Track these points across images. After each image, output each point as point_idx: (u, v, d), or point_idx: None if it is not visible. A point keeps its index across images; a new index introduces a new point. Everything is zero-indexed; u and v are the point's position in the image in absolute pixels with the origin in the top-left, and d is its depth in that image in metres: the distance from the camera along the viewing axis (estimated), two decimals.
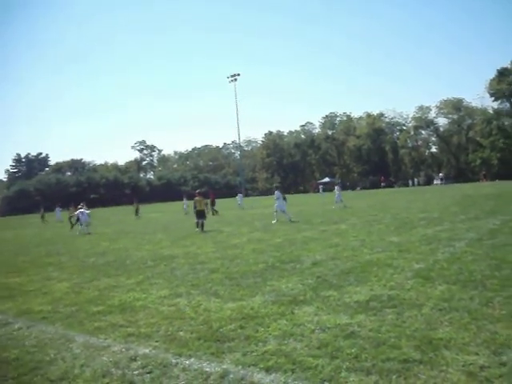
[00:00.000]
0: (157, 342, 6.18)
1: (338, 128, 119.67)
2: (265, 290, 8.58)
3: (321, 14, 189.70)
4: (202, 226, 22.55)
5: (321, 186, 74.64)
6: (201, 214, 23.05)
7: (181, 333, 6.46)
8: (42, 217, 45.30)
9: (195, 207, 23.20)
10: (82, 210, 29.60)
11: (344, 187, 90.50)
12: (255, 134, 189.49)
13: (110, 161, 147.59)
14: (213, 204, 36.84)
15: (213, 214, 35.28)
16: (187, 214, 38.49)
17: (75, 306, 8.67)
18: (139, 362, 5.48)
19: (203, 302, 8.10)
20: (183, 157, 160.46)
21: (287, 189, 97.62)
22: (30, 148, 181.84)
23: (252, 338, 5.98)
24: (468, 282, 7.91)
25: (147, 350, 5.87)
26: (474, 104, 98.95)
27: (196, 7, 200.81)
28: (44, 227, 36.11)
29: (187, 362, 5.36)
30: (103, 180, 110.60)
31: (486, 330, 5.62)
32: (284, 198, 25.28)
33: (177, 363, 5.37)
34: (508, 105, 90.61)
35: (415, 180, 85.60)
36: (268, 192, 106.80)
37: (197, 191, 24.83)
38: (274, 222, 23.98)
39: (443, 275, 8.61)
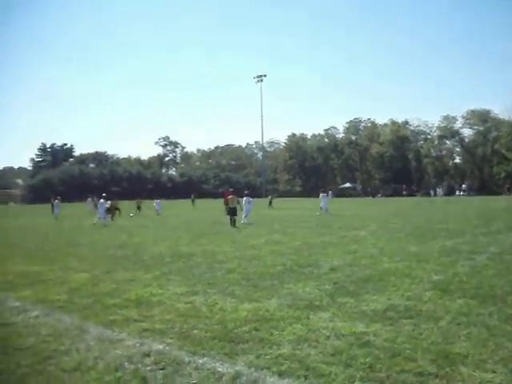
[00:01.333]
0: (171, 338, 6.20)
1: (362, 134, 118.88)
2: (281, 293, 8.56)
3: (350, 19, 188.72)
4: (234, 222, 24.39)
5: (330, 191, 74.42)
6: (233, 211, 24.90)
7: (195, 331, 6.48)
8: (52, 206, 45.82)
9: (227, 204, 25.18)
10: (102, 201, 30.05)
11: (365, 193, 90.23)
12: (278, 135, 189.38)
13: (134, 155, 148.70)
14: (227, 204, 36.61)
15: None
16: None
17: (92, 297, 8.74)
18: (152, 358, 5.49)
19: (219, 301, 8.11)
20: (206, 155, 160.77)
21: (308, 192, 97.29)
22: (55, 138, 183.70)
23: (266, 341, 5.96)
24: (487, 297, 7.80)
25: (161, 347, 5.88)
26: (501, 116, 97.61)
27: (225, 5, 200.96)
28: (58, 218, 36.37)
29: (200, 361, 5.36)
30: (126, 174, 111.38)
31: (505, 347, 5.53)
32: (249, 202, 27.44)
33: (190, 361, 5.37)
34: None
35: (437, 190, 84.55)
36: (288, 194, 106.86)
37: (230, 190, 27.08)
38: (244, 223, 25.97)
39: (462, 288, 8.50)
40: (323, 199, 33.81)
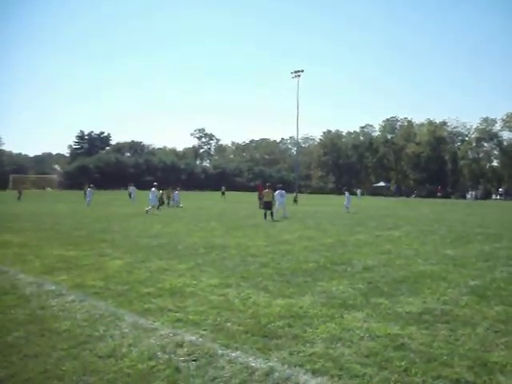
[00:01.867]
0: (204, 330, 6.21)
1: (398, 133, 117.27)
2: (314, 290, 8.50)
3: (388, 15, 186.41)
4: (272, 215, 25.24)
5: (359, 190, 73.73)
6: (268, 205, 25.71)
7: (229, 324, 6.48)
8: (85, 193, 46.60)
9: (262, 198, 26.54)
10: (153, 190, 31.25)
11: (399, 193, 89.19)
12: (313, 131, 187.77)
13: (169, 146, 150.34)
14: (263, 197, 36.55)
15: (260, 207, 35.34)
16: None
17: (126, 284, 8.84)
18: (185, 349, 5.51)
19: (252, 295, 8.10)
20: (240, 148, 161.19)
21: (341, 189, 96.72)
22: (93, 126, 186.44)
23: (300, 338, 5.93)
24: None
25: (194, 338, 5.90)
26: None
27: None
28: (90, 205, 36.88)
29: (233, 355, 5.36)
30: (161, 164, 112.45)
31: None
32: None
33: (223, 354, 5.37)
34: None
35: (473, 193, 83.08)
36: (321, 190, 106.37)
37: (267, 184, 27.44)
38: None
39: (500, 295, 8.31)
40: (347, 198, 33.74)
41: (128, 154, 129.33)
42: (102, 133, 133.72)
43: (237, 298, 7.87)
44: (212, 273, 10.13)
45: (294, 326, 6.40)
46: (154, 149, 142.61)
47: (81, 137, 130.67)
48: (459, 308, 7.42)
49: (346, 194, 34.06)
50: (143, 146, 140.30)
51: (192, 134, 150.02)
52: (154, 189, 31.57)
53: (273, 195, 26.66)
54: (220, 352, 5.44)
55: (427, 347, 5.66)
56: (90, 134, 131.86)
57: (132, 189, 44.87)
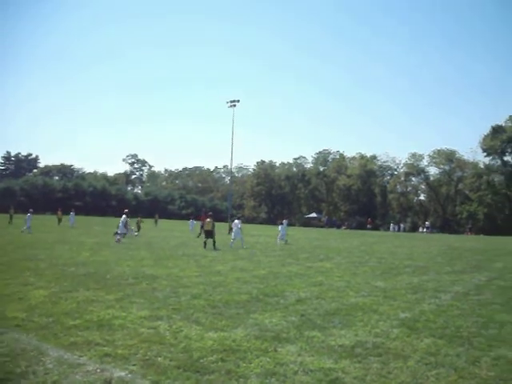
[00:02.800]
0: (134, 365, 5.96)
1: (330, 165, 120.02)
2: (247, 323, 8.38)
3: (321, 52, 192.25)
4: (213, 243, 25.60)
5: (285, 220, 74.60)
6: (208, 234, 25.95)
7: (159, 358, 6.24)
8: (11, 217, 45.46)
9: (202, 227, 27.04)
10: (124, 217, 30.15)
11: (330, 225, 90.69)
12: (247, 161, 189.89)
13: (100, 170, 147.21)
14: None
15: (198, 236, 36.01)
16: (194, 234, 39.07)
17: (51, 316, 8.42)
18: None
19: (184, 328, 7.89)
20: (173, 175, 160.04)
21: (273, 220, 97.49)
22: (20, 147, 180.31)
23: (233, 373, 5.78)
24: (454, 338, 7.78)
25: (123, 374, 5.65)
26: (466, 157, 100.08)
27: (200, 31, 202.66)
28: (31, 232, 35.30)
29: None
30: (90, 188, 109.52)
31: None
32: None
33: None
34: (499, 161, 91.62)
35: (401, 225, 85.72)
36: (254, 220, 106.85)
37: (209, 213, 28.09)
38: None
39: (429, 327, 8.48)
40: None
41: (57, 178, 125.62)
42: (30, 154, 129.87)
43: (168, 331, 7.63)
44: (142, 304, 9.81)
45: (227, 361, 6.24)
46: (84, 173, 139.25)
47: (7, 158, 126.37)
48: (390, 340, 7.49)
49: (283, 224, 34.02)
50: (73, 170, 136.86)
51: (124, 160, 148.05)
52: (124, 216, 30.41)
53: (213, 224, 26.54)
54: None
55: (360, 381, 5.66)
56: (17, 156, 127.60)
57: (29, 216, 43.80)
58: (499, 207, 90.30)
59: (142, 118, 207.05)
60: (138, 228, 39.19)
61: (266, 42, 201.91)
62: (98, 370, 5.73)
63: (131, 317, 8.59)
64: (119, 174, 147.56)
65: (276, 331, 7.85)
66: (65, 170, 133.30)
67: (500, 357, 6.80)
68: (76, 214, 49.01)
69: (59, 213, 48.17)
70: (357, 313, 9.59)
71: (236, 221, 28.82)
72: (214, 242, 25.75)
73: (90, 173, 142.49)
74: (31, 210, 39.59)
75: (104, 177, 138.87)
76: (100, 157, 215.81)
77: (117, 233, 29.47)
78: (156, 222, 59.66)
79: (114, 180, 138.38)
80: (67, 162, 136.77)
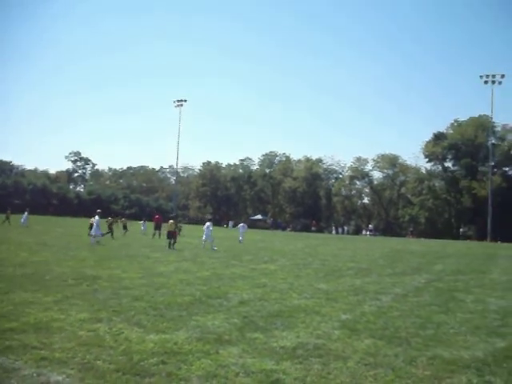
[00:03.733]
0: (72, 369, 5.78)
1: (276, 167, 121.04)
2: (189, 325, 8.30)
3: (275, 51, 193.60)
4: (174, 244, 26.75)
5: (231, 222, 74.89)
6: (170, 235, 27.32)
7: (98, 362, 6.09)
8: None
9: (157, 228, 30.66)
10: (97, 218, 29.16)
11: (275, 226, 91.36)
12: (193, 161, 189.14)
13: (41, 168, 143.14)
14: (159, 227, 37.57)
15: (153, 236, 36.91)
16: (145, 235, 38.89)
17: None
18: None
19: (124, 330, 7.73)
20: (117, 174, 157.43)
21: (219, 221, 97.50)
22: None
23: (174, 376, 5.71)
24: (393, 338, 7.96)
25: (60, 378, 5.47)
26: (408, 162, 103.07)
27: (155, 25, 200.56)
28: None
29: None
30: (30, 186, 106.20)
31: None
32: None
33: None
34: (440, 167, 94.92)
35: (345, 228, 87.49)
36: (199, 221, 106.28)
37: (172, 215, 32.07)
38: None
39: (369, 328, 8.63)
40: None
41: None
42: None
43: (108, 334, 7.46)
44: (81, 306, 9.55)
45: (168, 363, 6.16)
46: (24, 170, 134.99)
47: None
48: (332, 342, 7.58)
49: (241, 224, 34.75)
50: (12, 166, 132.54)
51: (67, 157, 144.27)
52: (97, 217, 29.37)
53: (176, 225, 28.67)
54: None
55: (301, 382, 5.70)
56: None
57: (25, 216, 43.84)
58: (439, 211, 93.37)
59: (86, 114, 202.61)
60: (125, 227, 40.29)
61: (215, 43, 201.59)
62: (35, 375, 5.53)
63: (70, 319, 8.34)
64: (61, 171, 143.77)
65: (218, 333, 7.80)
66: (3, 167, 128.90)
67: (436, 356, 7.00)
68: (13, 213, 47.68)
69: (8, 212, 46.60)
70: (299, 314, 9.66)
71: (207, 223, 29.61)
72: (175, 242, 27.05)
73: (30, 170, 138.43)
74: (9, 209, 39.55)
75: (45, 174, 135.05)
76: (41, 154, 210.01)
77: (90, 234, 28.99)
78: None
79: (55, 178, 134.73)
80: (5, 158, 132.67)
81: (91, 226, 35.10)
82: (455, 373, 6.31)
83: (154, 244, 29.85)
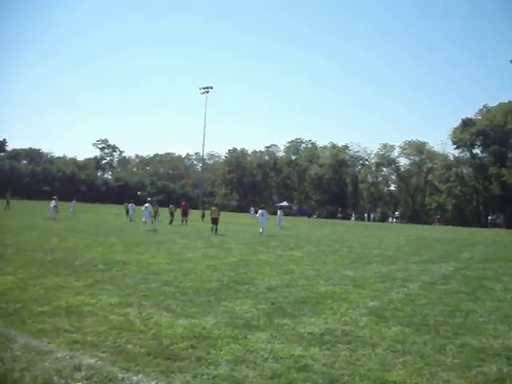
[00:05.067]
0: (103, 352, 5.91)
1: (302, 154, 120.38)
2: (218, 310, 8.40)
3: (297, 39, 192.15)
4: (216, 230, 28.52)
5: (252, 208, 73.46)
6: (214, 221, 29.01)
7: (129, 346, 6.21)
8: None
9: (211, 214, 29.93)
10: (147, 205, 30.44)
11: (301, 213, 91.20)
12: (219, 148, 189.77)
13: (69, 155, 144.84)
14: (185, 214, 38.01)
15: (181, 223, 37.12)
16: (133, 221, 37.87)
17: (19, 303, 8.29)
18: (83, 373, 5.22)
19: (154, 315, 7.86)
20: (144, 161, 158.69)
21: (245, 207, 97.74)
22: None
23: (203, 360, 5.79)
24: (421, 326, 7.92)
25: (93, 361, 5.60)
26: (436, 149, 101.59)
27: (174, 18, 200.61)
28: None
29: (134, 378, 5.14)
30: (59, 173, 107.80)
31: (439, 377, 5.61)
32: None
33: (123, 378, 5.13)
34: (468, 154, 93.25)
35: (371, 215, 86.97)
36: (225, 207, 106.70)
37: (214, 203, 34.19)
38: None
39: (397, 316, 8.60)
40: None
41: (25, 162, 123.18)
42: None
43: (138, 318, 7.60)
44: (112, 291, 9.74)
45: (198, 348, 6.25)
46: (52, 157, 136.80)
47: None
48: (359, 328, 7.58)
49: (260, 211, 33.96)
50: (41, 154, 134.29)
51: (94, 145, 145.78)
52: (147, 204, 30.61)
53: (219, 212, 29.95)
54: (120, 376, 5.19)
55: (329, 368, 5.72)
56: None
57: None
58: (467, 199, 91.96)
59: (113, 103, 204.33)
60: (172, 215, 38.80)
61: (241, 30, 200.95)
62: (67, 357, 5.67)
63: (101, 303, 8.52)
64: (89, 159, 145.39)
65: (246, 319, 7.88)
66: (33, 155, 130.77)
67: (465, 344, 6.95)
68: (42, 200, 48.65)
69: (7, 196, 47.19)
70: (326, 301, 9.68)
71: (260, 211, 31.49)
72: (217, 228, 28.75)
73: (59, 157, 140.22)
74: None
75: (73, 162, 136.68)
76: (70, 141, 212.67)
77: (143, 221, 29.57)
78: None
79: (83, 165, 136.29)
80: (35, 146, 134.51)
81: (127, 211, 36.73)
82: (485, 361, 6.26)
83: (180, 230, 30.07)
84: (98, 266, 12.96)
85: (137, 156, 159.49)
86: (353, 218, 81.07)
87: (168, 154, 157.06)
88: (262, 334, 7.00)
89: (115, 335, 6.62)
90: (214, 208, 30.34)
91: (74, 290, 9.71)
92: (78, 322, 7.19)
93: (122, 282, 10.84)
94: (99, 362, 5.56)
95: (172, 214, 37.90)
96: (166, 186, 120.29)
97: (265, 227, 30.52)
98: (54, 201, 37.28)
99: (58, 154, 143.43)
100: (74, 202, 46.02)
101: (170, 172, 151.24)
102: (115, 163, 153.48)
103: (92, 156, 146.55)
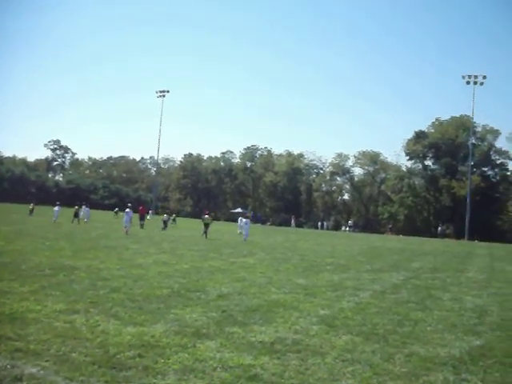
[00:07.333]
0: (47, 361, 5.71)
1: (258, 161, 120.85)
2: (167, 318, 8.26)
3: (252, 40, 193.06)
4: (206, 234, 32.14)
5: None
6: (206, 227, 32.60)
7: (74, 354, 6.02)
8: None
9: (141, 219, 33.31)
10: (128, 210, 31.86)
11: (255, 220, 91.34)
12: (174, 153, 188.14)
13: (19, 155, 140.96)
14: (142, 218, 38.64)
15: (141, 228, 37.07)
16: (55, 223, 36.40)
17: None
18: (25, 383, 5.01)
19: (101, 322, 7.67)
20: (97, 164, 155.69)
21: (198, 213, 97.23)
22: None
23: (150, 369, 5.67)
24: (371, 335, 7.99)
25: (35, 370, 5.40)
26: (389, 160, 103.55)
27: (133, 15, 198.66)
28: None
29: None
30: (8, 174, 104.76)
31: None
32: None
33: None
34: (420, 166, 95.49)
35: (325, 223, 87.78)
36: (179, 213, 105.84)
37: (207, 212, 36.64)
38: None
39: (347, 325, 8.66)
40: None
41: None
42: None
43: (84, 326, 7.39)
44: (58, 297, 9.46)
45: (145, 357, 6.11)
46: (1, 157, 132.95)
47: None
48: (310, 337, 7.59)
49: (243, 220, 34.95)
50: None
51: (46, 145, 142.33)
52: (128, 210, 31.93)
53: (211, 219, 34.90)
54: None
55: (279, 378, 5.69)
56: None
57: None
58: (418, 209, 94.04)
59: (65, 103, 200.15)
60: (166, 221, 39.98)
61: (198, 31, 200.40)
62: (8, 367, 5.45)
63: (46, 310, 8.25)
64: (40, 159, 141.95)
65: (196, 327, 7.77)
66: None
67: (413, 353, 7.05)
68: None
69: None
70: (278, 309, 9.67)
71: (244, 219, 35.08)
72: (208, 233, 32.26)
73: (8, 157, 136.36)
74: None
75: (23, 162, 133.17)
76: (20, 141, 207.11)
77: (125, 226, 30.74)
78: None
79: (34, 166, 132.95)
80: None
81: (75, 213, 36.24)
82: (432, 370, 6.36)
83: (134, 235, 29.65)
84: (44, 271, 12.59)
85: (90, 158, 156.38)
86: (292, 224, 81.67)
87: (122, 157, 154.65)
88: (211, 343, 6.92)
89: (60, 343, 6.40)
90: (206, 216, 33.94)
91: (18, 295, 9.38)
92: (21, 330, 6.93)
93: (69, 287, 10.55)
94: (42, 372, 5.36)
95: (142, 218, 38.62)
96: (119, 190, 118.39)
97: (248, 235, 32.74)
98: (57, 206, 38.31)
99: (6, 153, 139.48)
100: (57, 208, 39.76)
101: (124, 175, 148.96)
102: (67, 165, 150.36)
103: (43, 157, 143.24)
